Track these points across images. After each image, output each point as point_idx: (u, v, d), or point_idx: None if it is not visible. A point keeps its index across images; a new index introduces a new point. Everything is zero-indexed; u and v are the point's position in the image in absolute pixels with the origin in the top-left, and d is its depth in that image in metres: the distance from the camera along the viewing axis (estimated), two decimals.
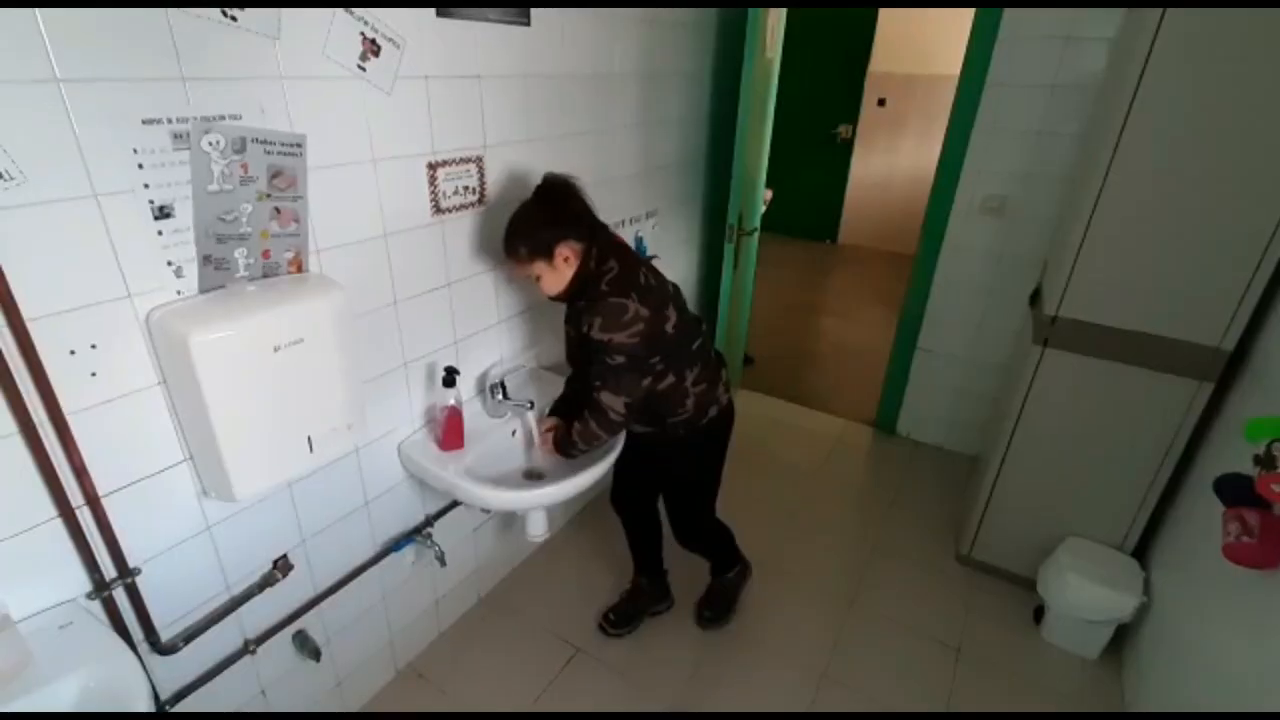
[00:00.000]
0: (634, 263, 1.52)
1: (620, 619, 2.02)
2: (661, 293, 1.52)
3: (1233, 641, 1.36)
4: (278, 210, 1.18)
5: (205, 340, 1.01)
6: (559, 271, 1.46)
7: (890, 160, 5.66)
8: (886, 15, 5.19)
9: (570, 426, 1.56)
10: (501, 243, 1.49)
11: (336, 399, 1.23)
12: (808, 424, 3.12)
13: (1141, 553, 1.96)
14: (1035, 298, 2.19)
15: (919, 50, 5.16)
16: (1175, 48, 1.49)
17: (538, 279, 1.49)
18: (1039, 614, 2.03)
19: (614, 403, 1.47)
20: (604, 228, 1.53)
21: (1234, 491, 1.32)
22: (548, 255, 1.44)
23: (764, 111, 2.65)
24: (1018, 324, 2.46)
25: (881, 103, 5.51)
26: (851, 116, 5.62)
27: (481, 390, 1.76)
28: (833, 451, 2.96)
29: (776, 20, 2.46)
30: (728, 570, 2.05)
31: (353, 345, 1.25)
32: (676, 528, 1.88)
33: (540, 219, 1.45)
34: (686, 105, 2.36)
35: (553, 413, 1.71)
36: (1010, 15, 2.25)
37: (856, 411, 3.23)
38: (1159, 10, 1.48)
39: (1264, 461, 1.23)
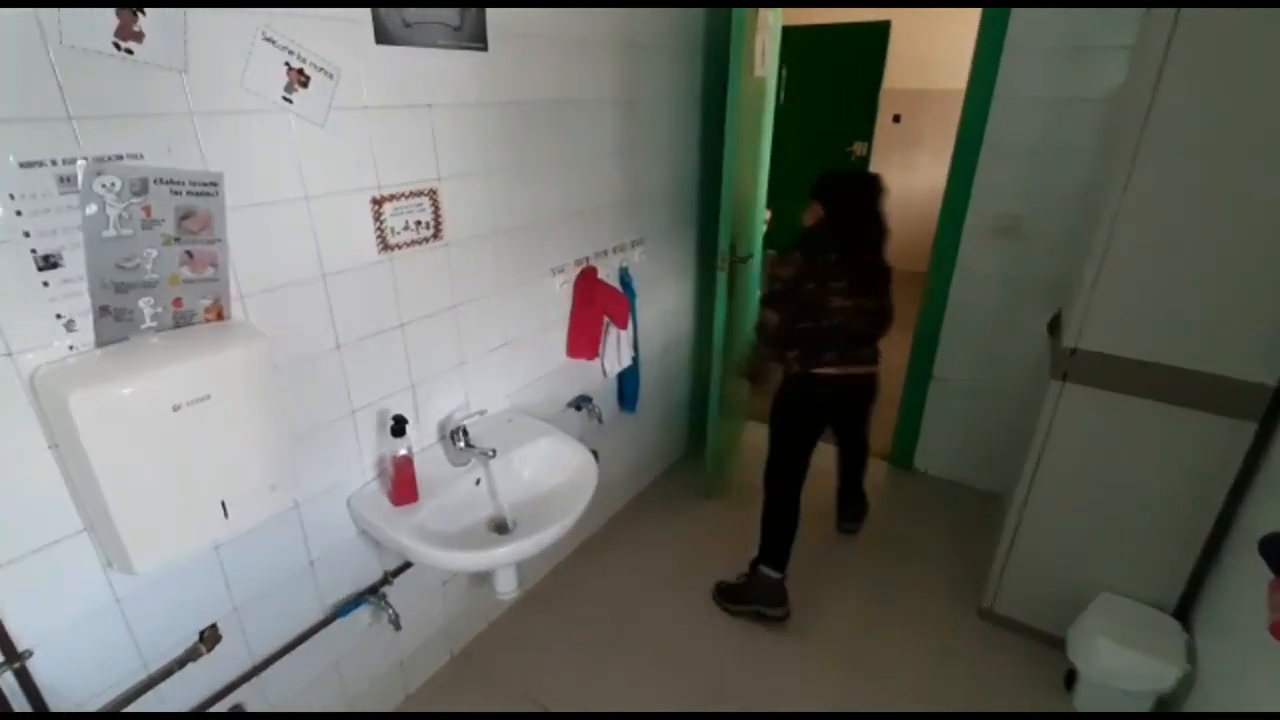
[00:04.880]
0: (837, 248, 1.82)
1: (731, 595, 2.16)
2: (838, 276, 1.82)
3: None
4: (190, 255, 1.09)
5: (87, 401, 0.92)
6: (807, 216, 1.92)
7: (907, 177, 5.47)
8: (899, 29, 5.06)
9: None
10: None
11: (254, 459, 1.12)
12: (818, 459, 2.90)
13: (1184, 613, 1.74)
14: (1054, 326, 2.01)
15: (932, 64, 5.01)
16: (1192, 51, 1.33)
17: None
18: (1070, 679, 1.82)
19: (767, 317, 1.90)
20: (855, 227, 1.86)
21: None
22: (810, 201, 1.91)
23: (758, 132, 2.53)
24: (1036, 350, 2.27)
25: (897, 119, 5.36)
26: (866, 134, 5.46)
27: (443, 437, 1.65)
28: None
29: (766, 38, 2.35)
30: (764, 566, 2.07)
31: (275, 398, 1.15)
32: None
33: (828, 182, 1.91)
34: (674, 130, 2.25)
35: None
36: (1017, 24, 2.11)
37: (871, 445, 3.02)
38: (1172, 11, 1.32)
39: None
